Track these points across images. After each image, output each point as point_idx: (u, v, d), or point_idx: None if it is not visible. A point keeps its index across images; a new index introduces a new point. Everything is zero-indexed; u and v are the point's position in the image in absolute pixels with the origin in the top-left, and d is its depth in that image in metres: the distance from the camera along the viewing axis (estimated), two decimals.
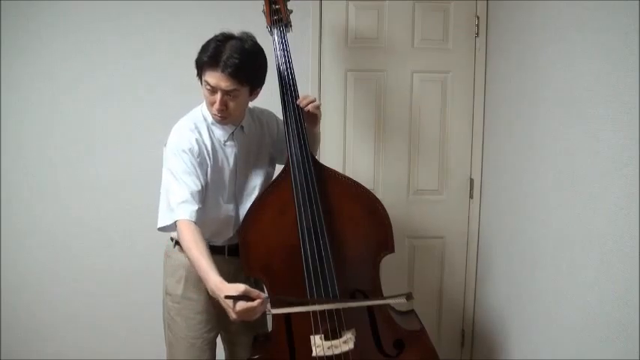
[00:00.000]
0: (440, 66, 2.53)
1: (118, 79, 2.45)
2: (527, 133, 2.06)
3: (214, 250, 1.69)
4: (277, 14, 1.92)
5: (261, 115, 1.96)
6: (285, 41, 1.91)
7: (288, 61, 1.88)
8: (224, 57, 1.62)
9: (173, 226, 1.67)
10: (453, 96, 2.54)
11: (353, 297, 1.86)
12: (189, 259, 1.63)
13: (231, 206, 1.85)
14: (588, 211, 1.60)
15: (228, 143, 1.81)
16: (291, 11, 1.97)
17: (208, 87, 1.67)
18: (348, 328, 1.78)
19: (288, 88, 1.85)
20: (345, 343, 1.77)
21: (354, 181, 1.90)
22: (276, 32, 1.92)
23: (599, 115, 1.55)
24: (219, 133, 1.80)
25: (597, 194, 1.55)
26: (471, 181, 2.59)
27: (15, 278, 2.51)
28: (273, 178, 1.92)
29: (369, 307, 1.86)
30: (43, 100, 2.45)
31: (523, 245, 2.09)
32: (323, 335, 1.76)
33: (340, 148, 2.55)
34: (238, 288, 1.48)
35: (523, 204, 2.09)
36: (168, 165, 1.73)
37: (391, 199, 2.49)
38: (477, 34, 2.50)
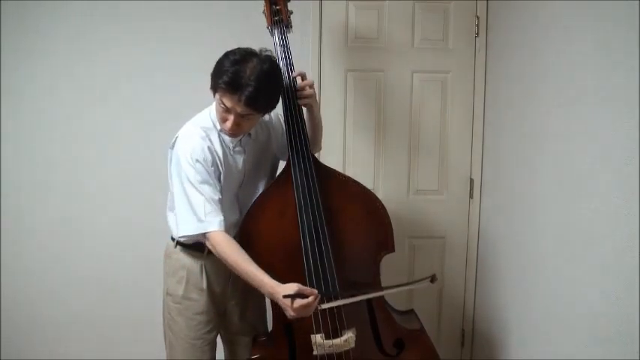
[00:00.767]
0: (440, 66, 2.53)
1: (119, 79, 2.45)
2: (527, 133, 2.06)
3: None
4: (278, 15, 1.92)
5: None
6: (285, 42, 1.91)
7: (289, 62, 1.88)
8: (242, 83, 1.58)
9: (197, 235, 1.70)
10: (453, 96, 2.54)
11: (353, 297, 1.86)
12: (234, 270, 1.68)
13: (237, 209, 1.85)
14: (588, 211, 1.60)
15: (236, 149, 1.81)
16: (292, 12, 1.97)
17: (222, 106, 1.65)
18: (349, 328, 1.78)
19: (288, 88, 1.85)
20: (346, 342, 1.77)
21: (355, 181, 1.90)
22: (276, 33, 1.92)
23: (599, 115, 1.55)
24: (229, 139, 1.79)
25: (597, 194, 1.56)
26: (471, 181, 2.59)
27: (15, 278, 2.51)
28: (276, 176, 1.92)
29: (370, 306, 1.87)
30: (43, 100, 2.44)
31: (523, 245, 2.09)
32: (323, 334, 1.77)
33: (340, 148, 2.55)
34: (293, 287, 1.59)
35: (523, 204, 2.09)
36: (184, 174, 1.71)
37: (391, 199, 2.49)
38: (477, 34, 2.50)
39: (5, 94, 2.43)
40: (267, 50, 1.71)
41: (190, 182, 1.69)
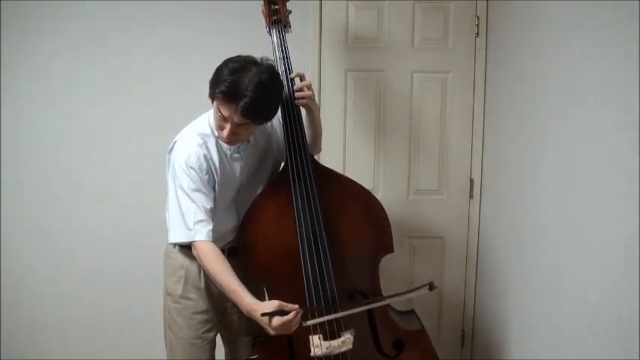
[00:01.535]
0: (440, 66, 2.52)
1: (119, 80, 2.45)
2: (527, 133, 2.06)
3: None
4: (276, 15, 1.91)
5: None
6: (284, 42, 1.89)
7: (288, 62, 1.87)
8: (240, 93, 1.55)
9: (187, 242, 1.70)
10: (453, 96, 2.54)
11: (352, 298, 1.86)
12: (215, 282, 1.67)
13: (234, 216, 1.85)
14: (588, 211, 1.60)
15: (234, 156, 1.80)
16: (290, 12, 1.96)
17: (220, 114, 1.63)
18: (347, 329, 1.78)
19: (287, 90, 1.84)
20: (344, 343, 1.77)
21: (354, 182, 1.90)
22: (274, 33, 1.90)
23: (599, 114, 1.54)
24: (226, 146, 1.77)
25: (597, 194, 1.55)
26: (471, 181, 2.58)
27: (15, 279, 2.51)
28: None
29: (369, 309, 1.86)
30: (43, 100, 2.45)
31: (523, 245, 2.08)
32: (322, 335, 1.76)
33: (340, 148, 2.55)
34: (273, 304, 1.54)
35: (523, 204, 2.09)
36: (178, 181, 1.71)
37: (391, 199, 2.49)
38: (477, 34, 2.50)
39: (5, 94, 2.43)
40: (268, 59, 1.68)
41: (183, 189, 1.69)
